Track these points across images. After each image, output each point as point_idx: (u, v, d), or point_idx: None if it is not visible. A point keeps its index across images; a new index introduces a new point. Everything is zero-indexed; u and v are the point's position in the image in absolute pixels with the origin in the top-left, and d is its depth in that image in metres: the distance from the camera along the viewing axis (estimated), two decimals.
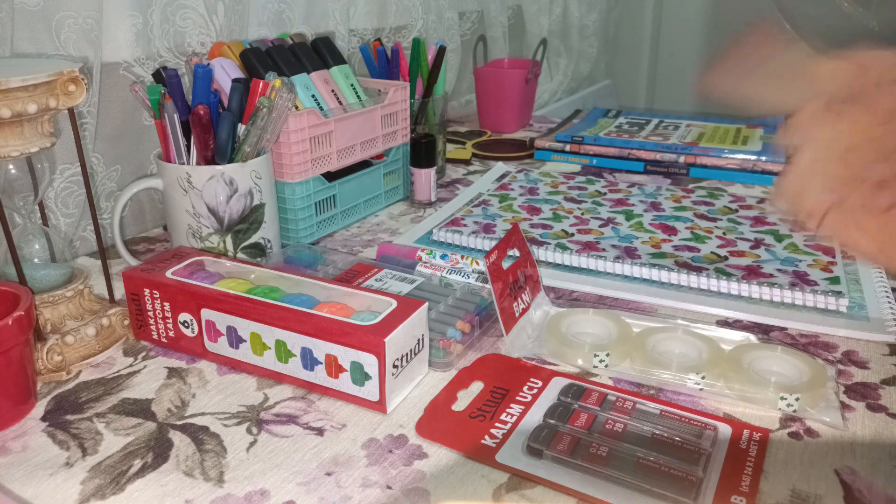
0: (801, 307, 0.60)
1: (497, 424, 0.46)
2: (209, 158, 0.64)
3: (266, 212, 0.67)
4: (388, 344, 0.45)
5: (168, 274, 0.54)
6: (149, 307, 0.54)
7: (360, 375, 0.47)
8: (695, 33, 2.02)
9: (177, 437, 0.45)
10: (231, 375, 0.52)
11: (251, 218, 0.66)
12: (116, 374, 0.53)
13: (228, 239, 0.65)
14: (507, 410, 0.47)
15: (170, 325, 0.54)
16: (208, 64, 0.67)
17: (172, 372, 0.53)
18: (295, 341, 0.49)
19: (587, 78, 1.81)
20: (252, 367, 0.52)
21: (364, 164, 0.82)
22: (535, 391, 0.49)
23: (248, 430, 0.46)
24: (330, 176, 0.77)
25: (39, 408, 0.49)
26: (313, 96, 0.76)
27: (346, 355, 0.47)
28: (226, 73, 0.69)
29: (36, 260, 0.55)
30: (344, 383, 0.48)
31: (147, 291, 0.54)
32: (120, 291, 0.59)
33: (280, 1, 0.90)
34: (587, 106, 1.35)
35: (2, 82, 0.45)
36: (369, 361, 0.46)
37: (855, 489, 0.40)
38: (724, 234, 0.76)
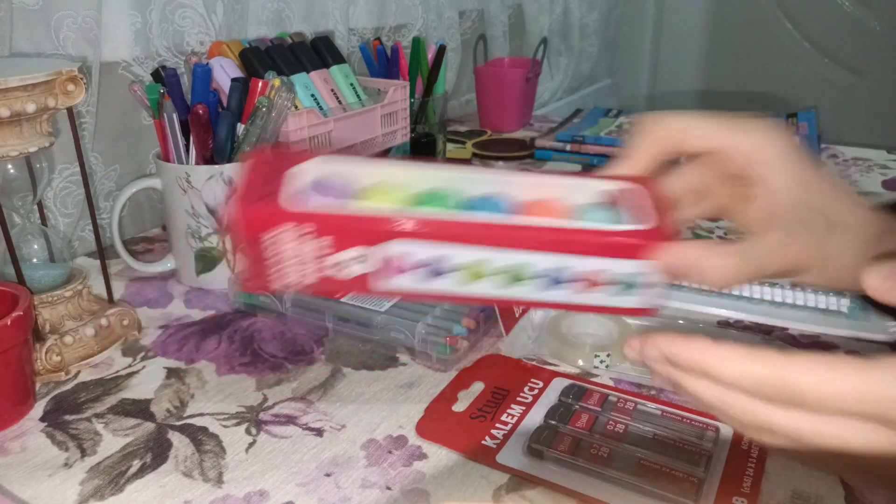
0: (802, 307, 0.60)
1: (497, 425, 0.46)
2: (208, 158, 0.64)
3: None
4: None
5: (308, 203, 0.36)
6: (288, 247, 0.37)
7: (628, 287, 0.36)
8: (695, 33, 2.01)
9: (176, 438, 0.45)
10: (230, 376, 0.52)
11: None
12: (115, 375, 0.52)
13: (228, 239, 0.65)
14: (508, 411, 0.47)
15: (321, 266, 0.37)
16: (207, 63, 0.66)
17: (171, 372, 0.53)
18: (539, 262, 0.36)
19: (588, 77, 1.81)
20: (454, 298, 0.38)
21: None
22: (535, 392, 0.49)
23: (248, 431, 0.46)
24: None
25: (38, 408, 0.49)
26: (313, 96, 0.76)
27: (616, 268, 0.35)
28: (225, 73, 0.68)
29: (35, 260, 0.55)
30: (604, 297, 0.36)
31: (289, 227, 0.36)
32: (119, 292, 0.59)
33: (279, 0, 0.90)
34: (588, 105, 1.35)
35: (0, 82, 0.45)
36: (642, 269, 0.35)
37: (856, 490, 0.40)
38: (724, 233, 0.76)
